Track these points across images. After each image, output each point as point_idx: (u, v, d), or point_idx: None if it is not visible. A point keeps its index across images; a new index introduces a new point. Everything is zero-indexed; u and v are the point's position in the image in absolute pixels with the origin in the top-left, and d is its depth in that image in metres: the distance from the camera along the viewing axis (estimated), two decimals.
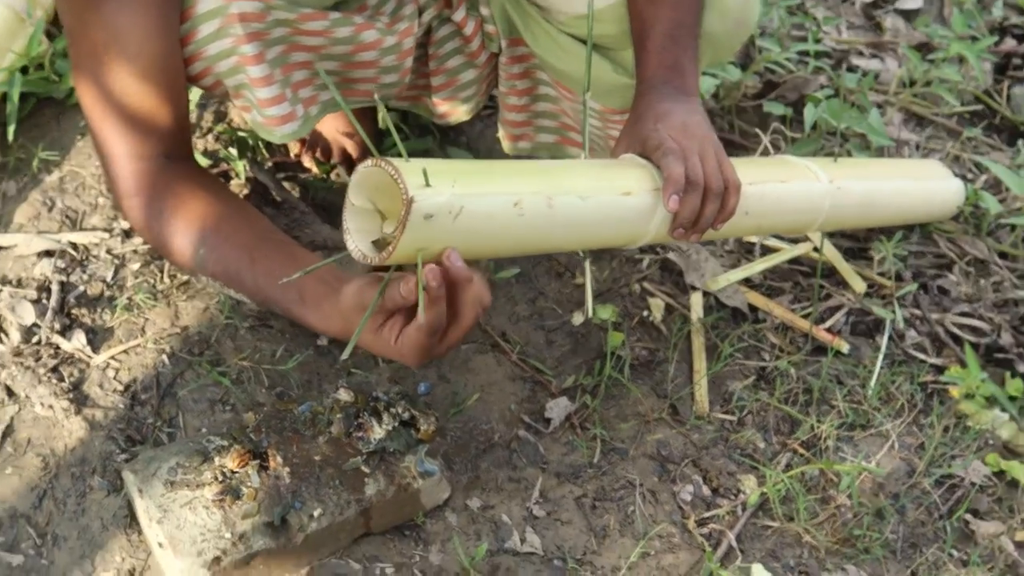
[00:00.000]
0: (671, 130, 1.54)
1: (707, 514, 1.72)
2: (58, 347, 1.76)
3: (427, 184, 1.27)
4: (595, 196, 1.48)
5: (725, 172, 1.55)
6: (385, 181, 1.29)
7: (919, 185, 2.13)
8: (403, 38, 1.70)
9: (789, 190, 1.77)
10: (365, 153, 2.05)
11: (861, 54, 2.63)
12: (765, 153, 2.17)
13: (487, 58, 1.86)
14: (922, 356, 2.05)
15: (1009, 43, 2.77)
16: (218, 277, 1.54)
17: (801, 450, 1.84)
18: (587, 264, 1.59)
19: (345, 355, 1.30)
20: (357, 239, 1.34)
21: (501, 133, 1.96)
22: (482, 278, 1.35)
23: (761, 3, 2.34)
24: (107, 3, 1.46)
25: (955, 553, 1.76)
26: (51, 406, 1.68)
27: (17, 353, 1.74)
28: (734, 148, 2.33)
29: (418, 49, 1.79)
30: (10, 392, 1.70)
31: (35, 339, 1.76)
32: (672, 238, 1.57)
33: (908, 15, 2.78)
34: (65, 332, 1.78)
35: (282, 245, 1.55)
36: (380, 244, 1.34)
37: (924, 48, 2.65)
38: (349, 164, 2.07)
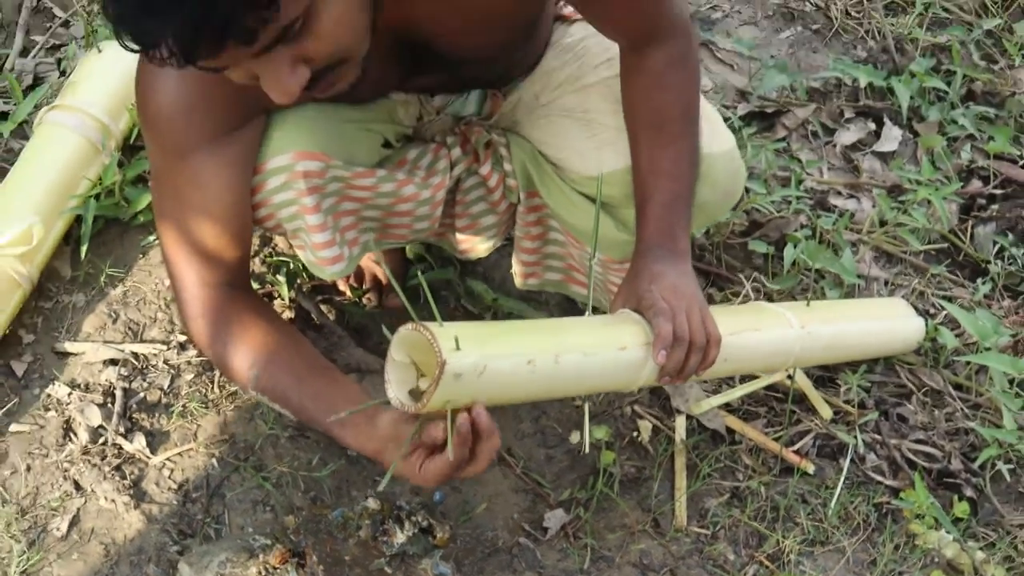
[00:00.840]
0: (663, 291, 1.77)
1: None
2: (121, 448, 2.00)
3: (457, 348, 1.51)
4: (596, 352, 1.73)
5: (708, 328, 1.78)
6: (421, 341, 1.54)
7: (883, 325, 2.38)
8: (436, 191, 1.95)
9: (763, 338, 2.02)
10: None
11: (839, 194, 2.88)
12: (747, 296, 2.42)
13: (507, 207, 2.10)
14: (879, 478, 2.27)
15: (975, 184, 3.02)
16: (267, 394, 1.76)
17: (767, 562, 2.08)
18: (586, 407, 1.84)
19: (382, 486, 1.55)
20: (396, 389, 1.58)
21: (514, 269, 2.21)
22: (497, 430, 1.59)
23: (748, 156, 2.62)
24: (195, 154, 1.69)
25: None
26: (113, 500, 1.93)
27: (85, 452, 1.99)
28: (721, 280, 2.58)
29: (447, 194, 2.05)
30: (78, 486, 1.94)
31: (101, 440, 2.01)
32: (660, 384, 1.81)
33: (884, 157, 3.03)
34: (127, 434, 2.03)
35: (326, 371, 1.79)
36: (415, 393, 1.58)
37: (896, 189, 2.90)
38: (379, 290, 2.32)
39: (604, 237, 1.96)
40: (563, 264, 2.16)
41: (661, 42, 1.80)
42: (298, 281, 2.27)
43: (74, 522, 1.91)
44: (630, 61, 1.84)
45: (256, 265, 2.30)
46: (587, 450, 1.92)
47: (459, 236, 2.15)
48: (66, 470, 1.96)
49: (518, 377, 1.64)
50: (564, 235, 2.08)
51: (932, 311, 2.62)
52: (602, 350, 1.74)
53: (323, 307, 2.24)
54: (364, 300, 2.31)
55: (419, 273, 1.61)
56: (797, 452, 2.26)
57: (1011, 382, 2.45)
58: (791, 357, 2.10)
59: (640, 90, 1.84)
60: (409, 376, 1.62)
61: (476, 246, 2.16)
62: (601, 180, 1.87)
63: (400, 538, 1.83)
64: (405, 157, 1.94)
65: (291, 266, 2.27)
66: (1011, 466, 2.32)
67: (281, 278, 2.23)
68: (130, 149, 2.40)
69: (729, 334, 1.88)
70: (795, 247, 2.51)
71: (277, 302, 2.25)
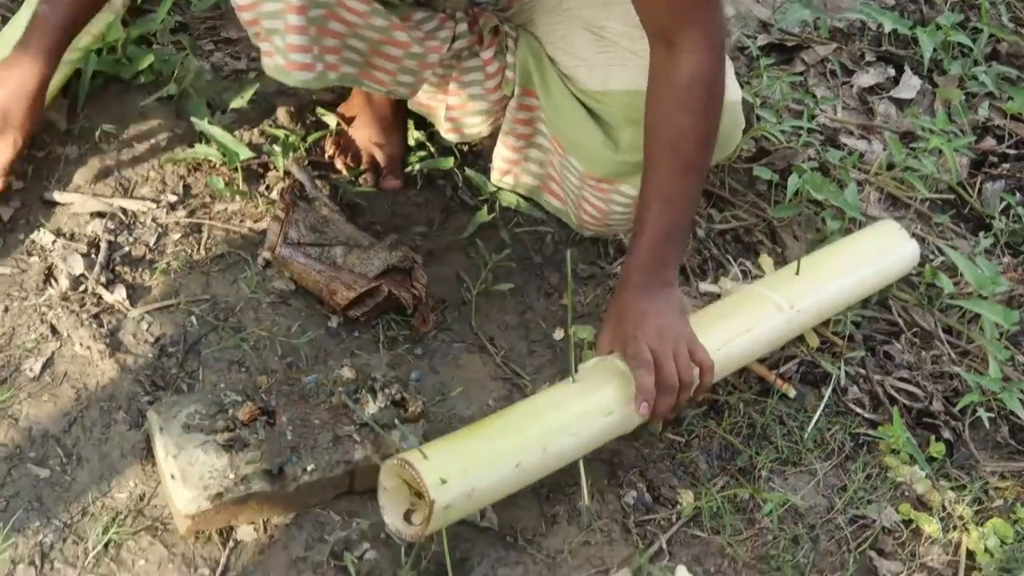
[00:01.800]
0: (647, 337, 1.81)
1: (645, 517, 1.95)
2: (101, 297, 1.99)
3: (443, 482, 1.61)
4: (582, 428, 1.81)
5: (698, 358, 1.85)
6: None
7: (875, 266, 2.35)
8: (430, 52, 1.94)
9: (754, 338, 2.06)
10: (392, 163, 2.29)
11: (851, 134, 2.86)
12: (735, 276, 2.39)
13: (500, 98, 2.09)
14: (859, 410, 2.26)
15: (989, 142, 3.00)
16: None
17: (738, 476, 2.07)
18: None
19: None
20: (391, 515, 1.69)
21: (493, 164, 2.20)
22: None
23: (763, 85, 2.60)
24: None
25: None
26: (88, 347, 1.92)
27: (64, 298, 1.98)
28: (722, 202, 2.57)
29: (445, 68, 2.03)
30: (54, 330, 1.93)
31: (81, 288, 1.99)
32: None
33: (900, 104, 3.01)
34: (108, 285, 2.01)
35: None
36: (408, 513, 1.70)
37: (909, 136, 2.88)
38: (376, 171, 2.31)
39: (589, 148, 1.98)
40: (542, 171, 2.16)
41: (691, 48, 1.78)
42: (294, 154, 2.25)
43: (47, 364, 1.89)
44: (658, 63, 1.82)
45: (254, 135, 2.28)
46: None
47: (448, 113, 2.14)
48: (43, 314, 1.95)
49: (508, 480, 1.74)
50: (551, 141, 2.07)
51: (931, 256, 2.60)
52: (588, 423, 1.82)
53: (318, 182, 2.22)
54: (360, 180, 2.29)
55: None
56: (781, 376, 2.25)
57: (1001, 334, 2.44)
58: (784, 339, 2.17)
59: (663, 106, 1.82)
60: (403, 496, 1.71)
61: (463, 128, 2.16)
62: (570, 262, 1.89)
63: (372, 408, 1.82)
64: (410, 15, 1.93)
65: (288, 138, 2.25)
66: (991, 414, 2.31)
67: (277, 148, 2.21)
68: (137, 11, 2.38)
69: (720, 347, 1.95)
70: (800, 177, 2.49)
71: (272, 174, 2.24)
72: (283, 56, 1.85)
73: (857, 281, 2.31)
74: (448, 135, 2.18)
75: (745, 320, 2.07)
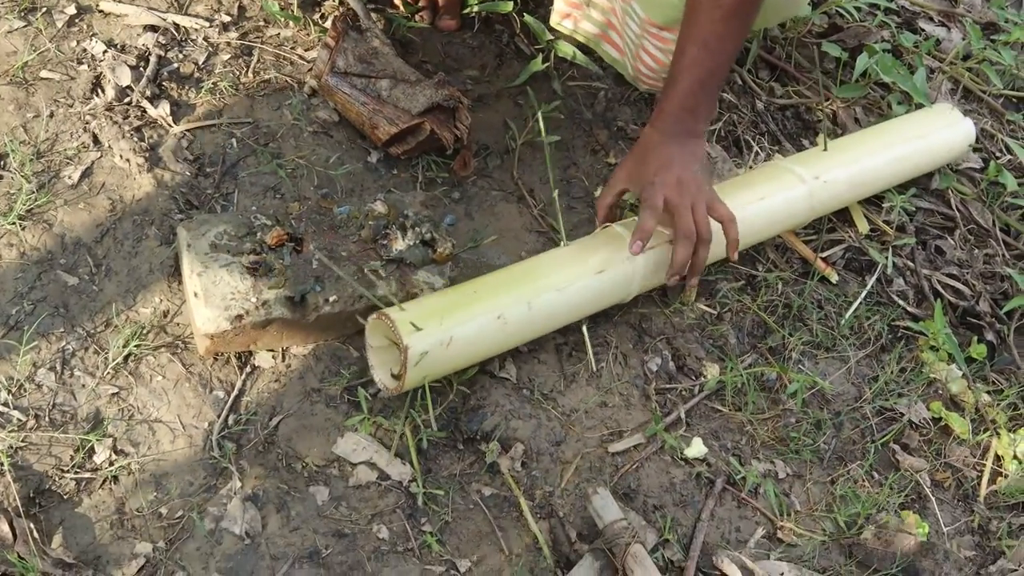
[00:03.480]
0: (665, 187, 1.79)
1: (667, 386, 1.93)
2: (145, 111, 1.98)
3: (417, 329, 1.62)
4: (570, 284, 1.79)
5: (717, 213, 1.83)
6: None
7: (921, 144, 2.29)
8: None
9: (770, 207, 2.04)
10: (450, 2, 2.23)
11: (931, 19, 2.76)
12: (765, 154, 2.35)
13: None
14: (902, 303, 2.21)
15: None
16: None
17: (767, 354, 2.04)
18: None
19: None
20: (380, 373, 1.72)
21: (555, 6, 2.14)
22: None
23: None
24: None
25: (876, 475, 1.96)
26: (128, 159, 1.91)
27: (109, 108, 1.96)
28: (786, 76, 2.49)
29: None
30: (96, 140, 1.92)
31: (127, 100, 1.98)
32: (668, 283, 1.87)
33: None
34: (153, 100, 2.00)
35: None
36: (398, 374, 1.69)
37: (991, 27, 2.78)
38: (434, 9, 2.25)
39: None
40: (603, 18, 2.10)
41: None
42: None
43: (86, 174, 1.89)
44: None
45: None
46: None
47: None
48: (87, 123, 1.94)
49: (492, 334, 1.73)
50: None
51: (999, 154, 2.53)
52: (577, 280, 1.80)
53: (373, 15, 2.17)
54: (417, 17, 2.24)
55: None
56: (825, 260, 2.20)
57: None
58: (812, 212, 2.12)
59: None
60: (391, 357, 1.72)
61: None
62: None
63: (400, 244, 1.80)
64: None
65: None
66: None
67: None
68: None
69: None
70: (870, 57, 2.40)
71: (328, 3, 2.20)
72: None
73: (897, 157, 2.26)
74: None
75: (761, 190, 2.04)
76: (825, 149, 2.14)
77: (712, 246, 1.86)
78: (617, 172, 1.89)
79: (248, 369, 1.76)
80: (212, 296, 1.69)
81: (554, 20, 2.15)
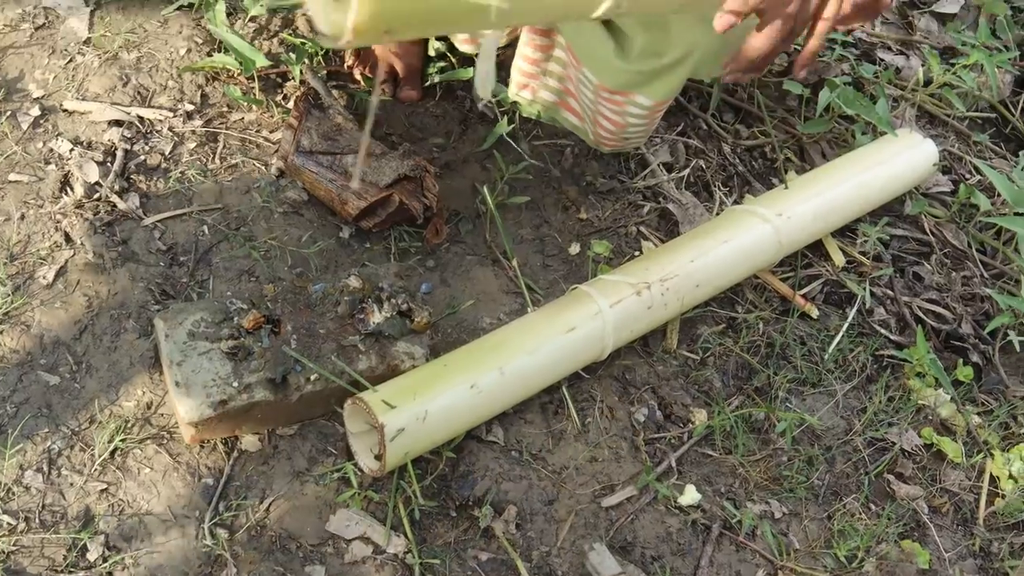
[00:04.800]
0: None
1: (656, 435, 1.93)
2: (115, 205, 1.98)
3: (391, 407, 1.64)
4: (541, 346, 1.81)
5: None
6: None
7: (883, 170, 2.31)
8: None
9: (735, 248, 2.05)
10: (410, 73, 2.25)
11: (889, 49, 2.78)
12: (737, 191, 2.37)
13: None
14: (884, 332, 2.22)
15: None
16: None
17: (753, 395, 2.04)
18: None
19: None
20: (363, 458, 1.74)
21: (512, 77, 2.15)
22: None
23: None
24: None
25: (873, 507, 1.96)
26: (101, 255, 1.91)
27: (79, 205, 1.97)
28: (751, 118, 2.51)
29: None
30: (68, 238, 1.93)
31: (96, 196, 1.99)
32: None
33: (942, 18, 2.92)
34: (123, 194, 2.00)
35: None
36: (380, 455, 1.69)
37: (950, 52, 2.80)
38: (394, 81, 2.27)
39: (601, 58, 1.94)
40: (560, 86, 2.11)
41: None
42: (311, 61, 2.22)
43: (61, 272, 1.89)
44: None
45: (274, 45, 2.26)
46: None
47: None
48: (58, 222, 1.95)
49: (467, 403, 1.74)
50: (567, 54, 2.02)
51: (968, 176, 2.54)
52: (548, 342, 1.82)
53: (336, 92, 2.19)
54: (378, 90, 2.26)
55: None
56: (804, 296, 2.20)
57: None
58: (781, 250, 2.14)
59: None
60: (372, 440, 1.74)
61: (480, 38, 2.08)
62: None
63: (377, 318, 1.80)
64: None
65: (305, 46, 2.22)
66: (1023, 338, 2.26)
67: (293, 55, 2.18)
68: None
69: (691, 261, 1.99)
70: (832, 92, 2.42)
71: (290, 83, 2.22)
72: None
73: (861, 184, 2.28)
74: (464, 46, 2.14)
75: (723, 234, 2.06)
76: (787, 187, 2.16)
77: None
78: None
79: (235, 454, 1.76)
80: (193, 384, 1.69)
81: (512, 92, 2.17)
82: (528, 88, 2.14)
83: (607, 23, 1.92)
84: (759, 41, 1.52)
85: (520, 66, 2.12)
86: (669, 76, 1.92)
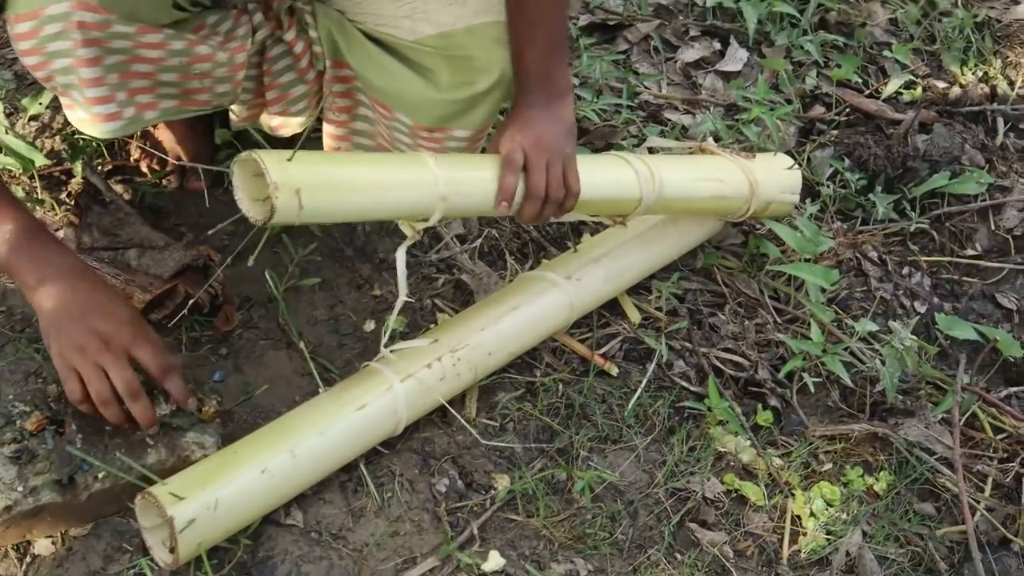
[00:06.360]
0: (525, 142, 1.87)
1: (458, 504, 1.94)
2: None
3: (179, 498, 1.63)
4: (332, 425, 1.83)
5: (568, 181, 1.90)
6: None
7: (672, 228, 2.41)
8: (235, 54, 1.90)
9: (528, 315, 2.12)
10: (196, 160, 2.25)
11: (676, 109, 2.87)
12: None
13: (316, 75, 2.06)
14: (685, 384, 2.27)
15: (818, 110, 3.03)
16: None
17: (555, 456, 2.07)
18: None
19: None
20: (159, 552, 1.70)
21: (325, 142, 2.17)
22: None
23: (583, 65, 2.60)
24: None
25: (678, 556, 2.00)
26: None
27: None
28: None
29: (255, 68, 2.00)
30: None
31: None
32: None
33: (727, 76, 3.02)
34: None
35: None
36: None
37: (734, 108, 2.90)
38: (181, 172, 2.27)
39: (412, 97, 1.97)
40: (372, 143, 2.13)
41: None
42: (94, 162, 2.21)
43: None
44: None
45: (56, 143, 2.24)
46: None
47: (271, 110, 2.10)
48: None
49: (259, 488, 1.74)
50: (373, 109, 2.04)
51: (758, 226, 2.62)
52: (338, 420, 1.84)
53: (120, 187, 2.19)
54: (165, 182, 2.26)
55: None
56: (603, 355, 2.24)
57: (830, 299, 2.47)
58: (574, 312, 2.21)
59: None
60: (166, 533, 1.66)
61: (288, 121, 2.11)
62: None
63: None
64: (203, 22, 1.88)
65: (84, 144, 2.21)
66: (818, 379, 2.33)
67: (71, 152, 2.17)
68: None
69: (486, 327, 2.04)
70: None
71: (75, 180, 2.20)
72: (85, 110, 1.79)
73: (649, 241, 2.36)
74: (281, 132, 2.13)
75: (513, 300, 2.11)
76: (575, 250, 2.21)
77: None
78: (492, 143, 1.96)
79: (28, 559, 1.72)
80: None
81: None
82: (342, 151, 2.15)
83: (408, 62, 1.95)
84: (523, 212, 1.91)
85: (329, 130, 2.13)
86: (484, 103, 1.97)
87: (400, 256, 1.84)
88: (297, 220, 1.61)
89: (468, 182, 1.84)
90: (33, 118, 2.25)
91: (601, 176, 2.06)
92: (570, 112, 1.97)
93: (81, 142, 2.21)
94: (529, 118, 1.91)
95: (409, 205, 1.78)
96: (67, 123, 2.28)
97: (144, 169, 2.26)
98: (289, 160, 1.59)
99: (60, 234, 2.11)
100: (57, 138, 2.25)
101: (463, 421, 2.01)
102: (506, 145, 1.88)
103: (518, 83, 1.95)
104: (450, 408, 1.96)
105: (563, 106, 1.96)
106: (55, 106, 2.26)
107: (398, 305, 1.85)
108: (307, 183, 1.60)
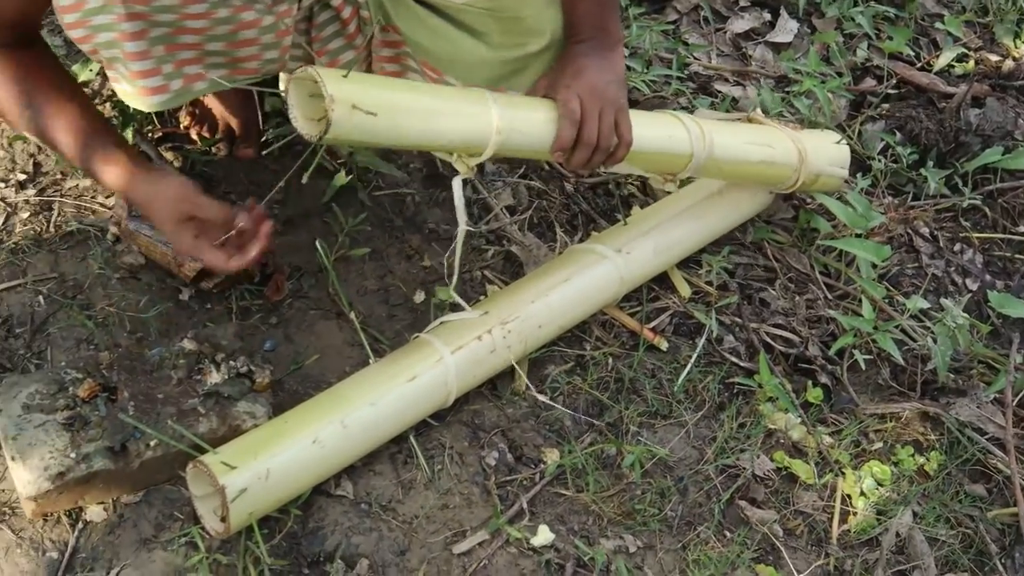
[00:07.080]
0: (581, 90, 1.86)
1: (507, 478, 1.93)
2: None
3: (231, 467, 1.63)
4: (383, 396, 1.82)
5: (620, 131, 1.89)
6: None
7: (723, 201, 2.39)
8: (281, 18, 1.89)
9: (577, 287, 2.11)
10: (246, 131, 2.24)
11: (726, 80, 2.84)
12: None
13: (364, 42, 2.04)
14: (734, 359, 2.25)
15: (868, 83, 2.99)
16: (38, 135, 1.82)
17: (605, 431, 2.05)
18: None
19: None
20: (209, 520, 1.70)
21: None
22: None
23: (632, 35, 2.58)
24: None
25: (727, 534, 1.98)
26: None
27: None
28: None
29: (303, 35, 1.98)
30: None
31: None
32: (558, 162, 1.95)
33: (777, 48, 2.99)
34: None
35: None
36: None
37: (785, 80, 2.87)
38: (231, 139, 2.26)
39: (465, 56, 1.96)
40: None
41: None
42: (145, 129, 2.20)
43: None
44: None
45: (107, 109, 2.23)
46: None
47: None
48: None
49: (310, 459, 1.73)
50: (422, 72, 2.01)
51: (808, 201, 2.59)
52: (389, 392, 1.83)
53: (171, 154, 2.18)
54: (214, 149, 2.25)
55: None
56: (653, 329, 2.23)
57: (880, 275, 2.44)
58: (624, 286, 2.19)
59: None
60: (216, 503, 1.67)
61: None
62: None
63: (215, 378, 1.79)
64: None
65: (134, 111, 2.20)
66: (869, 356, 2.31)
67: (121, 120, 2.17)
68: None
69: (535, 299, 2.03)
70: None
71: None
72: (130, 83, 1.78)
73: (699, 215, 2.33)
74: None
75: (564, 272, 2.10)
76: (626, 223, 2.19)
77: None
78: (538, 82, 1.95)
79: (80, 525, 1.72)
80: (30, 458, 1.66)
81: None
82: None
83: (458, 23, 1.93)
84: (573, 158, 1.89)
85: None
86: (535, 64, 1.97)
87: (456, 185, 1.83)
88: (350, 138, 1.62)
89: (523, 121, 1.82)
90: (83, 84, 2.24)
91: (653, 130, 2.05)
92: (622, 62, 1.96)
93: (131, 109, 2.20)
94: (583, 66, 1.91)
95: (462, 135, 1.75)
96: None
97: (194, 136, 2.25)
98: (345, 76, 1.58)
99: (111, 201, 2.11)
100: (108, 105, 2.24)
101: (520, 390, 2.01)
102: (563, 93, 1.86)
103: (571, 32, 1.95)
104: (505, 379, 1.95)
105: (615, 56, 1.95)
106: (105, 73, 2.25)
107: (459, 234, 1.83)
108: (363, 100, 1.58)
